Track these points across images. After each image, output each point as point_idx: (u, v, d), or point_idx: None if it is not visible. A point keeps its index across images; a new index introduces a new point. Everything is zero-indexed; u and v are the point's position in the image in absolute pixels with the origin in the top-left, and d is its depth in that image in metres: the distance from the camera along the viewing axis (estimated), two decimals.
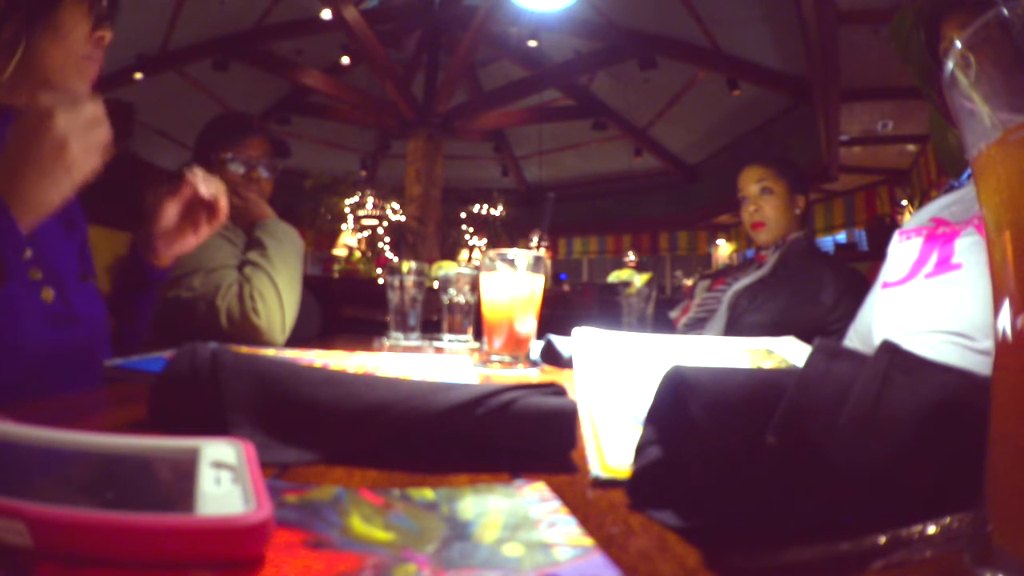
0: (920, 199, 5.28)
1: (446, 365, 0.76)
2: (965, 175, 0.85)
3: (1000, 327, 0.21)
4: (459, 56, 5.40)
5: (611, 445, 0.35)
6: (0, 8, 0.61)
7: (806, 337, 0.73)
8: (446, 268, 1.24)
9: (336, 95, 6.25)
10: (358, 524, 0.23)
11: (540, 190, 8.22)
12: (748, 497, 0.24)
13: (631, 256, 6.80)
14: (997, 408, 0.21)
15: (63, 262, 0.68)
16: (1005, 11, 0.19)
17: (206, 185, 0.81)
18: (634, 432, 0.34)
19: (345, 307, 2.23)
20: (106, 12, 0.68)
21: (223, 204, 0.83)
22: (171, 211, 0.81)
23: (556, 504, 0.26)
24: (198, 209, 0.83)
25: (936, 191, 3.96)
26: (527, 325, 0.80)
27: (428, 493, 0.27)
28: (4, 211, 0.52)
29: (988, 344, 0.44)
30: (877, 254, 0.98)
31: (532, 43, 5.98)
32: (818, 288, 1.27)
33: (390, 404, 0.34)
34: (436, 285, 1.22)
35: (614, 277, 5.05)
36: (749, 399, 0.26)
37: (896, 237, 0.86)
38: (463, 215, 6.76)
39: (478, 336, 0.98)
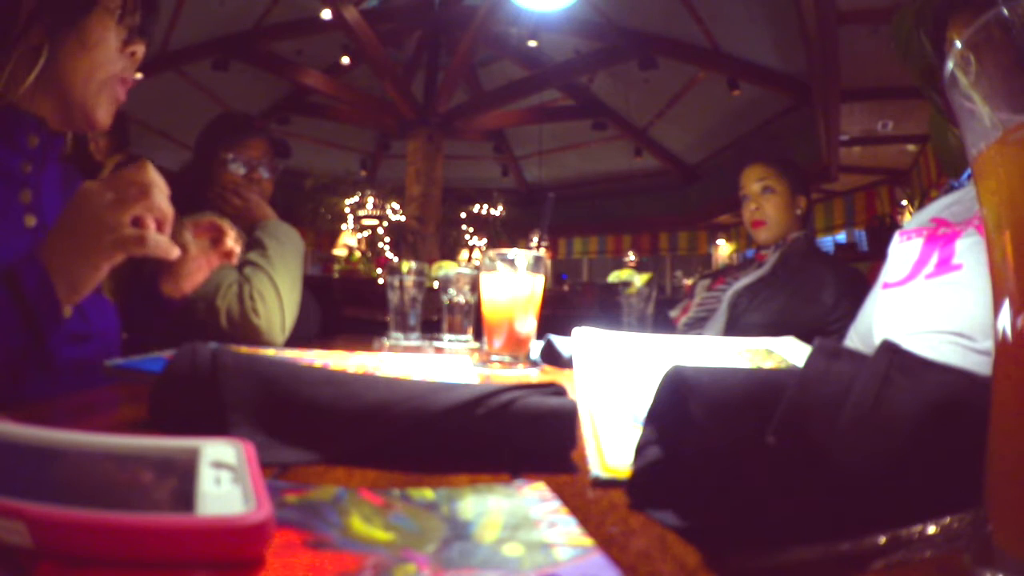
0: (920, 199, 5.28)
1: (446, 365, 0.76)
2: (965, 175, 0.85)
3: (1000, 327, 0.21)
4: (459, 56, 5.40)
5: (611, 445, 0.35)
6: (26, 12, 0.58)
7: (806, 337, 0.73)
8: (446, 268, 1.24)
9: (336, 95, 6.24)
10: (358, 524, 0.23)
11: (540, 190, 8.21)
12: (748, 497, 0.24)
13: (631, 256, 6.79)
14: (997, 408, 0.21)
15: None
16: (1005, 11, 0.19)
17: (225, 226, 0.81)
18: (634, 432, 0.34)
19: (345, 307, 2.23)
20: (140, 25, 0.63)
21: (232, 242, 0.83)
22: (193, 248, 0.80)
23: (556, 504, 0.26)
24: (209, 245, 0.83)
25: (936, 191, 3.96)
26: (527, 325, 0.80)
27: (428, 493, 0.27)
28: (49, 287, 0.52)
29: (988, 344, 0.44)
30: (877, 254, 0.98)
31: (532, 43, 5.97)
32: (818, 288, 1.27)
33: (390, 404, 0.34)
34: (436, 285, 1.22)
35: (614, 277, 5.04)
36: (749, 399, 0.26)
37: (896, 238, 0.86)
38: (463, 215, 6.76)
39: (478, 336, 0.98)
